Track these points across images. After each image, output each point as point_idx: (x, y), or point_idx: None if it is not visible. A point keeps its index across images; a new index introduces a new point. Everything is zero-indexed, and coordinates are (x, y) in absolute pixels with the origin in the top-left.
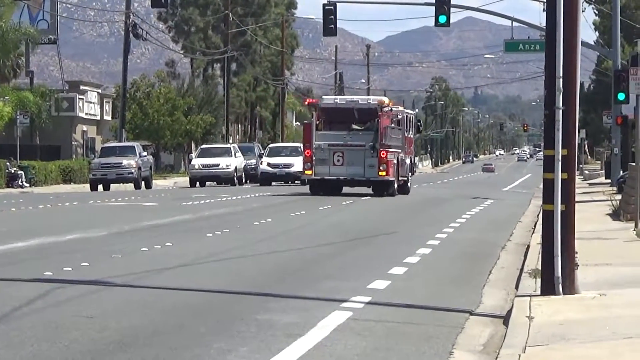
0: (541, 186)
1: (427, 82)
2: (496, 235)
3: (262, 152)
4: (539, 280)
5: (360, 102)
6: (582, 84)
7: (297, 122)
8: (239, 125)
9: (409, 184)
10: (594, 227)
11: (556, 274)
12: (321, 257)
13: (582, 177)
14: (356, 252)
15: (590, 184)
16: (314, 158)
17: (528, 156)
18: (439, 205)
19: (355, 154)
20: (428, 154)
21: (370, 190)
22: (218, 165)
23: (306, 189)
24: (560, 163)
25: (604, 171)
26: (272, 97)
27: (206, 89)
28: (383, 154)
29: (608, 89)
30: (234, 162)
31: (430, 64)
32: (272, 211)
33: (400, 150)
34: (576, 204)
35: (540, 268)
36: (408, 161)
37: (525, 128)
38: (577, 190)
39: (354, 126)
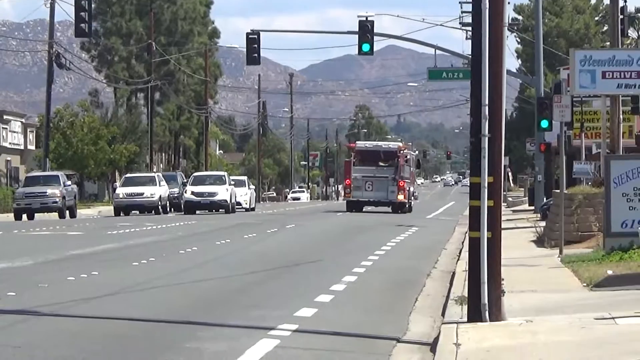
0: (465, 213)
1: (350, 110)
2: (421, 262)
3: (185, 180)
4: (465, 307)
5: (383, 147)
6: (505, 112)
7: (221, 151)
8: (163, 154)
9: (412, 205)
10: (519, 254)
11: (483, 300)
12: (247, 286)
13: (505, 204)
14: (282, 281)
15: (514, 211)
16: (352, 185)
17: (453, 182)
18: (364, 233)
19: (381, 183)
20: None
21: (389, 209)
22: (142, 194)
23: (230, 217)
24: (486, 190)
25: (527, 198)
26: (195, 125)
27: (130, 118)
28: (401, 183)
29: (531, 117)
30: (158, 190)
31: (353, 92)
32: (197, 239)
33: (409, 181)
34: (502, 231)
35: (466, 295)
36: (412, 188)
37: (448, 155)
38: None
39: (380, 163)
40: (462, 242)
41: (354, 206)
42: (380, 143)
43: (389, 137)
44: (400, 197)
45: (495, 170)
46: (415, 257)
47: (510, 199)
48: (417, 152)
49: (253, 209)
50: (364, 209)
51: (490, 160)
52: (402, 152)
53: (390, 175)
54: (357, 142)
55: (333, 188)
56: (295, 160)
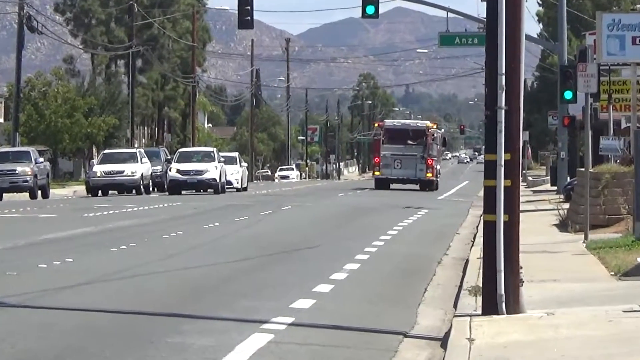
0: (481, 194)
1: (353, 80)
2: (431, 248)
3: (170, 157)
4: (479, 299)
5: (412, 125)
6: (525, 82)
7: (209, 124)
8: (145, 128)
9: (438, 183)
10: (540, 240)
11: (499, 291)
12: (238, 274)
13: (525, 183)
14: (277, 268)
15: (535, 192)
16: (381, 163)
17: (469, 159)
18: (367, 216)
19: (410, 160)
20: (354, 159)
21: (417, 187)
22: (122, 172)
23: (220, 198)
24: (502, 169)
25: (549, 177)
26: (181, 96)
27: (109, 88)
28: (430, 161)
29: (553, 87)
30: (140, 168)
31: (357, 59)
32: (183, 223)
33: (437, 159)
34: (520, 214)
35: (481, 285)
36: (438, 166)
37: (462, 130)
38: (520, 199)
39: (409, 141)
40: (477, 227)
41: (383, 184)
42: (408, 121)
43: (396, 109)
44: (429, 174)
45: (513, 146)
46: (425, 243)
47: (530, 178)
48: (443, 130)
49: (245, 189)
50: (391, 187)
51: (508, 135)
52: (430, 130)
53: (419, 153)
54: (385, 120)
55: (334, 166)
56: (292, 134)
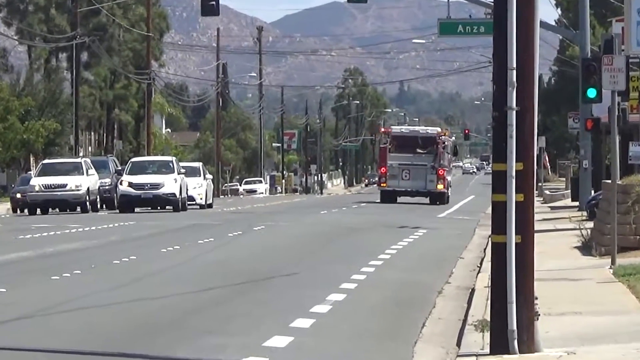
0: (489, 211)
1: (338, 76)
2: (431, 276)
3: (121, 168)
4: (487, 335)
5: (421, 132)
6: (540, 77)
7: (168, 129)
8: (92, 134)
9: (449, 196)
10: (559, 265)
11: (510, 326)
12: (202, 306)
13: (541, 198)
14: (247, 299)
15: (553, 208)
16: (387, 174)
17: (475, 170)
18: (355, 237)
19: (419, 171)
20: (339, 170)
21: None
22: (65, 185)
23: (180, 216)
24: (514, 180)
25: (569, 191)
26: (134, 96)
27: (49, 87)
28: (441, 171)
29: (574, 84)
30: (85, 181)
31: (342, 51)
32: (136, 246)
33: (448, 169)
34: (535, 234)
35: (489, 319)
36: (449, 178)
37: (466, 134)
38: (535, 217)
39: (418, 150)
40: (484, 250)
41: (389, 196)
42: (417, 128)
43: (388, 110)
44: (440, 186)
45: (526, 154)
46: (423, 269)
47: (547, 192)
48: (453, 137)
49: (210, 206)
50: (397, 200)
51: (520, 141)
52: (441, 137)
53: (429, 163)
54: (392, 126)
55: (315, 178)
56: (266, 141)
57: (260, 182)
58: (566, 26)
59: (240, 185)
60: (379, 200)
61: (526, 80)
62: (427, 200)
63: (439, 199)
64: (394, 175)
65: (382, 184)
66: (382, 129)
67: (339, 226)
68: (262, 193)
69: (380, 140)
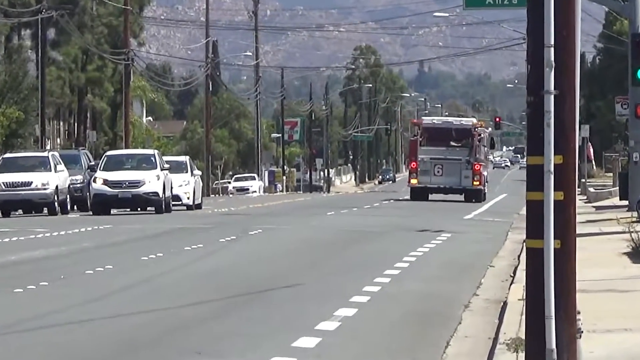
0: (523, 212)
1: (347, 55)
2: (456, 287)
3: (93, 163)
4: (522, 356)
5: (455, 123)
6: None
7: (150, 118)
8: (61, 123)
9: (486, 193)
10: (605, 274)
11: (548, 345)
12: (189, 322)
13: (584, 197)
14: (243, 315)
15: (598, 208)
16: (418, 169)
17: (508, 163)
18: (368, 243)
19: (453, 166)
20: (349, 165)
21: (461, 197)
22: (30, 183)
23: (164, 219)
24: (552, 176)
25: (617, 188)
26: (110, 79)
27: (10, 69)
28: (477, 167)
29: (622, 64)
30: (54, 178)
31: (352, 26)
32: (113, 253)
33: (484, 164)
34: (577, 239)
35: (523, 337)
36: (486, 173)
37: (497, 123)
38: (578, 218)
39: (452, 143)
40: (518, 256)
41: (420, 193)
42: (450, 119)
43: (406, 95)
44: (476, 182)
45: (567, 145)
46: (447, 279)
47: (591, 189)
48: (489, 129)
49: (199, 207)
50: (429, 197)
51: (559, 130)
52: (477, 129)
53: (464, 157)
54: (423, 117)
55: (322, 173)
56: (264, 131)
57: (254, 178)
58: None
59: (232, 181)
60: (408, 198)
61: (566, 59)
62: (461, 197)
63: (475, 196)
64: (426, 171)
65: (412, 180)
66: (413, 120)
67: (350, 230)
68: (256, 192)
69: (412, 132)
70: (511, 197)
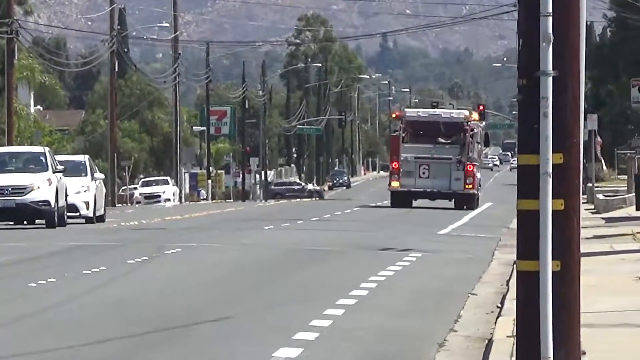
0: (514, 225)
1: (290, 26)
2: (427, 321)
3: None
4: None
5: (444, 116)
6: (590, 28)
7: (39, 106)
8: None
9: (479, 198)
10: (618, 303)
11: None
12: None
13: (592, 206)
14: (155, 357)
15: (609, 220)
16: (401, 170)
17: (497, 163)
18: (317, 265)
19: (441, 167)
20: (293, 165)
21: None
22: None
23: (57, 235)
24: (550, 180)
25: (633, 195)
26: None
27: None
28: (469, 167)
29: (637, 38)
30: None
31: None
32: None
33: (478, 164)
34: (582, 259)
35: None
36: (479, 175)
37: (481, 112)
38: (583, 233)
39: (440, 139)
40: (507, 282)
41: (402, 199)
42: (438, 111)
43: (366, 76)
44: (468, 186)
45: (569, 140)
46: (416, 311)
47: (600, 196)
48: (484, 123)
49: (101, 219)
50: (413, 203)
51: (559, 121)
52: (469, 123)
53: (455, 156)
54: (406, 109)
55: (257, 176)
56: (184, 123)
57: (166, 182)
58: None
59: (138, 186)
60: (387, 203)
61: (568, 31)
62: (451, 203)
63: (467, 202)
64: (409, 172)
65: (393, 183)
66: (395, 113)
67: (294, 248)
68: (170, 200)
69: (393, 127)
70: (498, 207)
